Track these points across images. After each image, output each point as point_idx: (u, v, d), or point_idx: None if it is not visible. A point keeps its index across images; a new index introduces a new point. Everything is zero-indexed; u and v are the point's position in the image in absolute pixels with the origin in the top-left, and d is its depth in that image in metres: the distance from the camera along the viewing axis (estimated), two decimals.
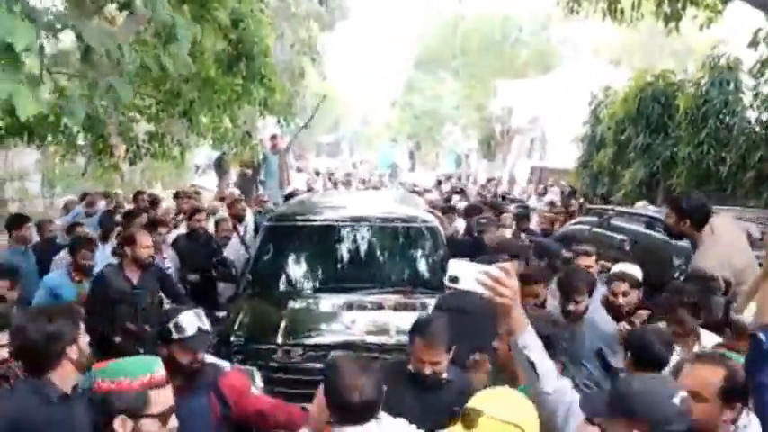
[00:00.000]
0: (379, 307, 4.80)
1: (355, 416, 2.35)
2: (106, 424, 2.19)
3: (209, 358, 3.30)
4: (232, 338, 4.54)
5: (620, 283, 4.02)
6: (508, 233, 7.12)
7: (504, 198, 13.83)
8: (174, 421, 2.28)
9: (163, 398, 2.25)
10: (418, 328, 3.07)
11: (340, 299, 5.00)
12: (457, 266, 2.39)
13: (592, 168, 13.52)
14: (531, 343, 2.31)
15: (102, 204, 9.51)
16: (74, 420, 2.61)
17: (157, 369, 2.29)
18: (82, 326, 2.82)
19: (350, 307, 4.81)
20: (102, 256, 5.95)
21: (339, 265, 5.82)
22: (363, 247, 5.89)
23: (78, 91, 3.64)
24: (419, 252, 5.81)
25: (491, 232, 6.46)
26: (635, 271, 4.13)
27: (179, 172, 19.88)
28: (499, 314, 2.34)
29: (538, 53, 33.24)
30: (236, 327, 4.73)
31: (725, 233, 3.78)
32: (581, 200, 11.65)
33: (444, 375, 3.01)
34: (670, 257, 5.00)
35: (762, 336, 2.48)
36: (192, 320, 2.97)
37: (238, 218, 8.68)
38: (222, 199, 11.42)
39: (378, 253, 5.84)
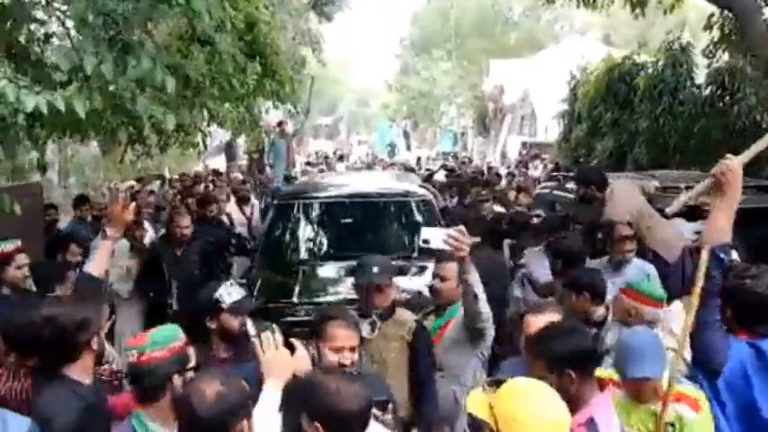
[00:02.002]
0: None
1: (360, 426, 2.20)
2: (157, 388, 2.49)
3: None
4: (253, 301, 5.03)
5: None
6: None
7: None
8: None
9: (193, 353, 2.65)
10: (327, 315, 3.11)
11: (345, 265, 5.42)
12: (428, 232, 3.38)
13: (570, 142, 14.81)
14: (475, 281, 3.35)
15: (156, 184, 10.75)
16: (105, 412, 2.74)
17: (181, 333, 2.68)
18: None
19: (353, 271, 4.92)
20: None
21: (343, 236, 6.38)
22: (364, 220, 6.42)
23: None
24: (414, 222, 6.31)
25: (486, 205, 7.50)
26: None
27: (183, 159, 21.06)
28: (458, 261, 3.32)
29: (528, 33, 34.25)
30: (255, 291, 5.22)
31: (621, 190, 5.16)
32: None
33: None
34: None
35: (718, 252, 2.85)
36: (232, 289, 3.30)
37: (244, 199, 9.37)
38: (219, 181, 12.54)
39: (377, 224, 6.39)
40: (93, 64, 3.20)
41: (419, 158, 23.14)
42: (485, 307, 3.43)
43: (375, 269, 3.56)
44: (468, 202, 8.45)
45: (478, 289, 3.38)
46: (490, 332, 3.58)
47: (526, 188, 8.92)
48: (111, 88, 3.46)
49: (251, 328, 3.68)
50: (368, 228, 6.35)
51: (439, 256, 3.76)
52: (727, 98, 9.20)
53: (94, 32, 3.34)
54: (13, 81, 2.81)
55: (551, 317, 2.92)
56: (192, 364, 2.60)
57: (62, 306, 2.72)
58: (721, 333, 2.83)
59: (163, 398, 2.48)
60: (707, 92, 9.81)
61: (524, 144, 24.06)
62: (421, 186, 7.55)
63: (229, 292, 3.28)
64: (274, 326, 4.20)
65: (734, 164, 2.74)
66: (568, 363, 2.43)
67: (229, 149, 20.10)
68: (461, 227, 3.34)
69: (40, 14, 3.32)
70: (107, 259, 3.38)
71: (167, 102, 9.97)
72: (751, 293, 2.82)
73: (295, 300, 5.16)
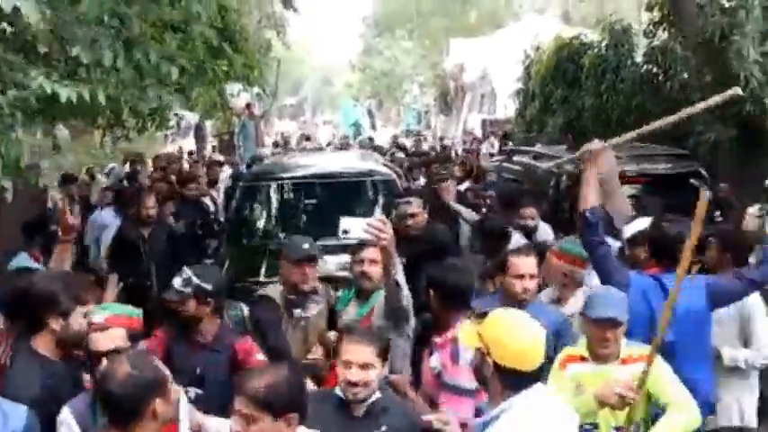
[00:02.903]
0: (343, 249, 4.92)
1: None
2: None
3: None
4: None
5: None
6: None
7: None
8: None
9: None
10: (345, 328, 3.26)
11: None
12: (347, 222, 3.41)
13: (525, 118, 15.69)
14: (398, 269, 3.41)
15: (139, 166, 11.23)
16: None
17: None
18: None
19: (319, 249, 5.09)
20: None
21: (308, 215, 6.53)
22: (328, 200, 6.51)
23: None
24: (378, 201, 6.50)
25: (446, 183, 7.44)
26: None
27: (149, 141, 21.43)
28: (382, 251, 3.32)
29: (489, 11, 35.02)
30: (223, 270, 5.34)
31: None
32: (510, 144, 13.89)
33: (376, 396, 2.80)
34: (547, 179, 7.10)
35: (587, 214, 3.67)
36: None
37: (212, 182, 9.62)
38: (194, 163, 13.00)
39: (341, 204, 6.26)
40: (110, 58, 3.90)
41: (396, 137, 23.49)
42: (405, 291, 3.50)
43: (306, 245, 3.85)
44: (426, 181, 8.61)
45: (400, 276, 3.44)
46: (411, 314, 3.64)
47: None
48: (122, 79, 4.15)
49: (246, 312, 3.89)
50: (332, 207, 6.35)
51: (363, 241, 3.75)
52: (662, 76, 10.10)
53: (109, 31, 4.02)
54: (49, 77, 3.51)
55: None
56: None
57: (41, 280, 3.02)
58: (612, 266, 3.67)
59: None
60: (644, 70, 10.71)
61: (484, 121, 24.89)
62: (385, 165, 7.80)
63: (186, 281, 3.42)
64: (242, 304, 4.11)
65: (594, 147, 3.69)
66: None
67: (198, 131, 20.58)
68: (382, 216, 3.60)
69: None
70: (67, 259, 3.83)
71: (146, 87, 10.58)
72: (664, 235, 3.67)
73: (262, 278, 5.25)
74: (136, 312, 2.99)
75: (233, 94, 10.64)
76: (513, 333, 2.39)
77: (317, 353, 3.89)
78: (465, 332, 2.60)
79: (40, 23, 3.40)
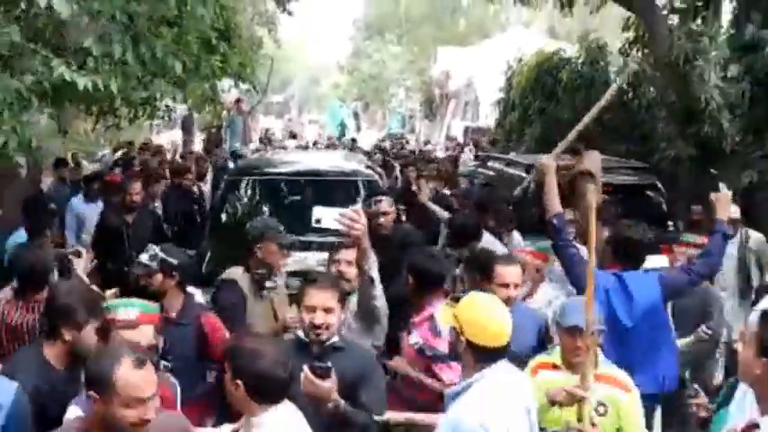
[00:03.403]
0: (321, 246, 5.23)
1: (279, 394, 2.46)
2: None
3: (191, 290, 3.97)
4: (203, 270, 5.44)
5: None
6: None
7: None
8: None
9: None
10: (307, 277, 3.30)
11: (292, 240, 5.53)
12: (320, 211, 3.79)
13: (504, 127, 16.23)
14: (372, 263, 3.40)
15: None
16: None
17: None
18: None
19: (300, 246, 5.24)
20: None
21: (291, 212, 6.45)
22: (311, 198, 6.58)
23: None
24: (360, 201, 6.31)
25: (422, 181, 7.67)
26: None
27: (136, 131, 21.68)
28: (356, 243, 3.31)
29: (477, 22, 35.69)
30: (205, 260, 5.68)
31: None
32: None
33: (334, 338, 3.01)
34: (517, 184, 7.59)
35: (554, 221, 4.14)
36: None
37: (201, 174, 9.85)
38: (185, 156, 12.98)
39: (323, 202, 6.14)
40: (119, 51, 4.32)
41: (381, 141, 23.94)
42: (379, 289, 3.51)
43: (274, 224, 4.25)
44: (405, 180, 9.07)
45: (374, 272, 3.44)
46: (384, 316, 3.65)
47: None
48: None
49: (200, 297, 4.17)
50: (314, 205, 6.24)
51: (340, 243, 3.83)
52: (631, 93, 10.65)
53: (119, 26, 4.45)
54: (69, 66, 3.94)
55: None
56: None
57: (60, 292, 3.12)
58: (580, 268, 4.03)
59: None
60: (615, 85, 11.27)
61: (467, 129, 25.48)
62: (367, 167, 7.94)
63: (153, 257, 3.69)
64: None
65: (545, 161, 4.22)
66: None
67: (186, 124, 20.82)
68: (357, 207, 3.53)
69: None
70: (83, 269, 4.38)
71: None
72: (626, 238, 4.16)
73: None
74: (156, 308, 3.12)
75: (224, 90, 11.01)
76: (485, 314, 2.70)
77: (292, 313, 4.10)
78: (441, 313, 2.96)
79: (69, 18, 3.80)
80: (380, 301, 3.55)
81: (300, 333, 3.08)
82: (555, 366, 3.35)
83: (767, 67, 7.49)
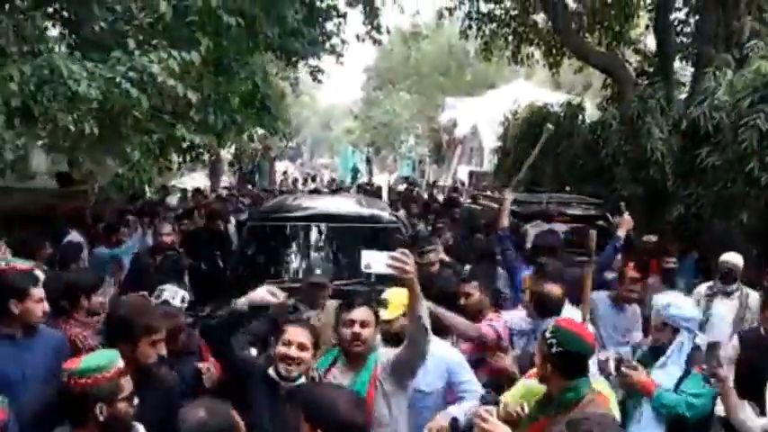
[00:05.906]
0: (343, 293, 4.95)
1: None
2: (83, 413, 2.53)
3: None
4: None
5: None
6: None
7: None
8: (135, 400, 2.61)
9: (128, 383, 2.63)
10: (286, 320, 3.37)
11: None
12: (369, 255, 3.32)
13: (502, 172, 18.24)
14: (424, 310, 3.20)
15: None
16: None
17: (120, 360, 2.64)
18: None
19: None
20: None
21: (312, 258, 6.62)
22: (333, 243, 6.67)
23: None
24: (383, 248, 6.37)
25: (445, 231, 8.90)
26: None
27: (164, 173, 23.56)
28: (408, 287, 3.11)
29: (482, 74, 37.92)
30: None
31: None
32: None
33: (302, 380, 3.06)
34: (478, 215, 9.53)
35: (500, 233, 6.61)
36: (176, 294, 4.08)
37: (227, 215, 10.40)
38: (218, 197, 14.74)
39: (346, 247, 6.53)
40: (212, 119, 6.45)
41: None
42: (431, 336, 3.30)
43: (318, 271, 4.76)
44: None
45: (425, 318, 3.19)
46: (419, 367, 3.44)
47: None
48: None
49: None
50: (336, 250, 6.71)
51: (351, 301, 3.54)
52: (601, 144, 12.65)
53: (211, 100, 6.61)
54: (189, 129, 6.08)
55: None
56: (126, 393, 2.60)
57: (118, 307, 3.37)
58: (515, 266, 6.07)
59: (92, 423, 2.54)
60: (588, 139, 13.30)
61: (471, 173, 27.46)
62: (391, 214, 7.83)
63: (173, 296, 3.91)
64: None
65: (507, 196, 6.37)
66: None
67: (214, 167, 22.94)
68: (406, 249, 3.23)
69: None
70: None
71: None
72: (543, 293, 4.48)
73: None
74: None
75: (264, 137, 12.82)
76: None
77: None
78: (392, 295, 3.86)
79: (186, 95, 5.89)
80: (427, 348, 3.32)
81: (271, 370, 3.23)
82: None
83: (692, 124, 9.43)
